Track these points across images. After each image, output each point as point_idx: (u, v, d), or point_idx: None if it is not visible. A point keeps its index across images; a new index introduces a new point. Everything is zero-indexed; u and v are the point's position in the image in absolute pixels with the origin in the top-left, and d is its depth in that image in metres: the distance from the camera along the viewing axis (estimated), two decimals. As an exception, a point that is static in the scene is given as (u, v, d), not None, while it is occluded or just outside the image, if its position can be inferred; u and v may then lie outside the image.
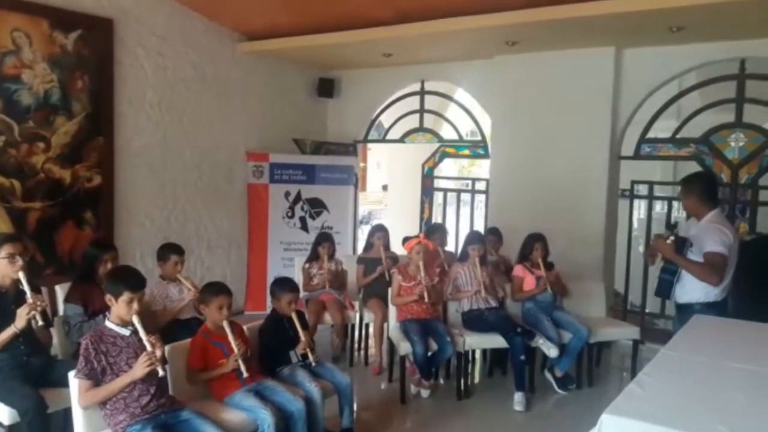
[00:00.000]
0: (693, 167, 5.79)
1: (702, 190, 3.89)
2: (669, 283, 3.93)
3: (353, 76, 7.49)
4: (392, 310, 4.80)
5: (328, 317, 5.18)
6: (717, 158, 5.54)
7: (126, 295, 2.85)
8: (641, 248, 6.40)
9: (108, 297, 2.90)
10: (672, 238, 3.81)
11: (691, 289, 3.83)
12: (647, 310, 6.16)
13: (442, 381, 4.99)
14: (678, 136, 5.74)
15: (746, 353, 2.91)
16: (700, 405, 2.32)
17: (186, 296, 4.11)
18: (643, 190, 6.11)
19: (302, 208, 6.90)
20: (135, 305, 2.86)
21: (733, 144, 5.50)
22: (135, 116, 5.61)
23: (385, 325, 5.08)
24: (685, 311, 3.82)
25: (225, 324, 3.31)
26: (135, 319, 2.84)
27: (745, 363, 2.74)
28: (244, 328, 3.60)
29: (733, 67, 5.41)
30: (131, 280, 2.92)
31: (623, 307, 6.17)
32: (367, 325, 5.50)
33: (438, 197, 7.45)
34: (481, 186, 7.00)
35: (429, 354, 4.45)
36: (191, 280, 4.20)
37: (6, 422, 3.08)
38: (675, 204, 6.18)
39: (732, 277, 3.81)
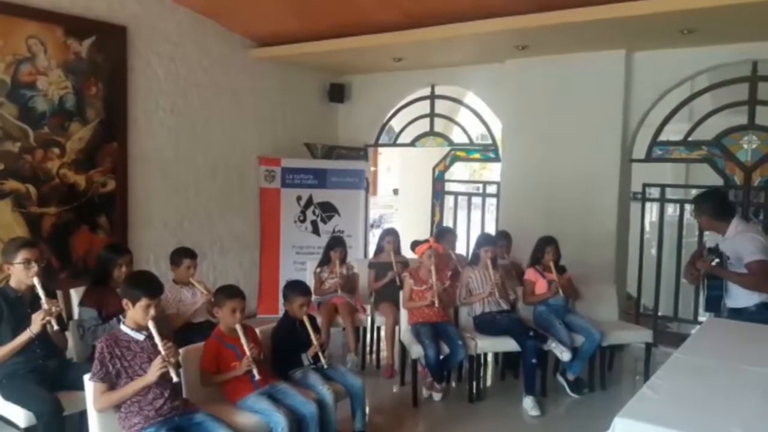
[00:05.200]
0: (705, 170, 5.78)
1: (711, 207, 3.92)
2: (719, 297, 3.97)
3: (364, 81, 7.52)
4: (404, 314, 4.81)
5: (339, 320, 5.20)
6: (729, 161, 5.50)
7: (143, 301, 2.88)
8: (653, 251, 6.37)
9: (125, 301, 2.93)
10: (717, 260, 3.88)
11: (742, 295, 3.86)
12: (660, 313, 6.12)
13: (454, 384, 4.99)
14: (690, 139, 5.70)
15: (760, 356, 2.90)
16: (714, 408, 2.32)
17: (199, 300, 4.16)
18: (654, 192, 6.08)
19: (314, 212, 6.92)
20: (152, 311, 2.89)
21: (745, 146, 5.47)
22: (148, 122, 5.66)
23: (397, 328, 5.08)
24: (740, 315, 3.83)
25: (238, 327, 3.34)
26: (150, 325, 2.87)
27: (759, 366, 2.74)
28: (257, 331, 3.62)
29: (745, 69, 5.38)
30: (149, 287, 2.96)
31: (636, 310, 6.13)
32: (378, 329, 5.51)
33: (449, 201, 7.44)
34: (492, 189, 6.99)
35: (441, 357, 4.46)
36: (204, 284, 4.25)
37: (22, 425, 3.12)
38: (687, 207, 6.14)
39: None
